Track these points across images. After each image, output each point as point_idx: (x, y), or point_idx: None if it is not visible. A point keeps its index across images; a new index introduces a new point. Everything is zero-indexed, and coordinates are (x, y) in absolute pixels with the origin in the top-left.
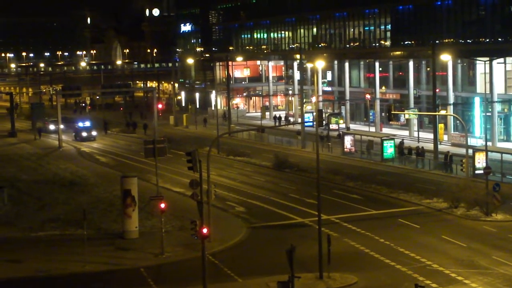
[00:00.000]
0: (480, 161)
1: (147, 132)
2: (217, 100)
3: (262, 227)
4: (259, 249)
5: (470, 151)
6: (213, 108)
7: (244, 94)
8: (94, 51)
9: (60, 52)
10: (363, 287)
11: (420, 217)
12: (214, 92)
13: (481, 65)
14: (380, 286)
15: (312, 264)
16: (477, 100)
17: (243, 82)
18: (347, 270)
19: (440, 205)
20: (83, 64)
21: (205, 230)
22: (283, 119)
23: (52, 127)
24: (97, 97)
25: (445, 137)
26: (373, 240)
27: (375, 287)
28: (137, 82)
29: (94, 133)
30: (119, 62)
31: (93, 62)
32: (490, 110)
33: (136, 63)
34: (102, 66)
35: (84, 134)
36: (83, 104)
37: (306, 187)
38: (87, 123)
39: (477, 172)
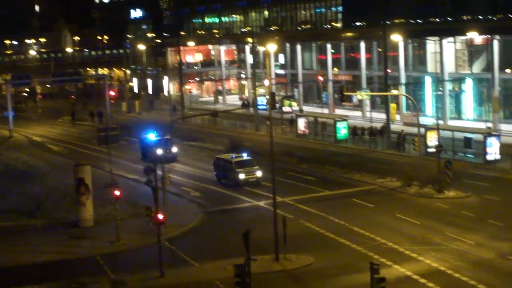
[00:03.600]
0: (432, 139)
1: (102, 120)
2: (169, 86)
3: (217, 211)
4: (215, 233)
5: (422, 130)
6: (165, 94)
7: (197, 79)
8: (44, 39)
9: (9, 41)
10: (319, 268)
11: (374, 196)
12: (166, 77)
13: (431, 45)
14: (336, 266)
15: (269, 246)
16: (428, 80)
17: (195, 67)
18: (303, 251)
19: (394, 184)
20: (32, 52)
21: (160, 216)
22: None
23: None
24: (48, 85)
25: (398, 117)
26: (328, 221)
27: (331, 267)
28: (88, 69)
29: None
30: (69, 49)
31: (43, 50)
32: (441, 89)
33: (87, 50)
34: (52, 54)
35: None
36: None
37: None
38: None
39: (429, 150)
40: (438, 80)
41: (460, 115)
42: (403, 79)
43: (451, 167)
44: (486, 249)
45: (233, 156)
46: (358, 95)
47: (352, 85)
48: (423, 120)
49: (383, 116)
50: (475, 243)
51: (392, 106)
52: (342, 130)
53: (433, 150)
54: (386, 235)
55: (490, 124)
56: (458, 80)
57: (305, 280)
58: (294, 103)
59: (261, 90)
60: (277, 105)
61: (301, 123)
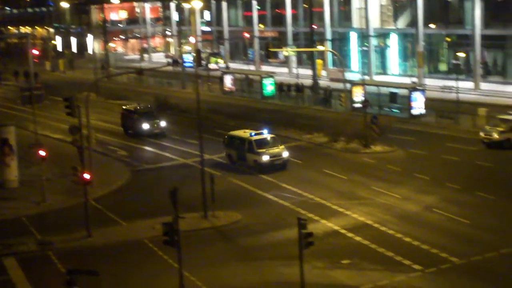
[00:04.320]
0: (358, 95)
1: (28, 80)
2: (94, 44)
3: (145, 169)
4: (143, 192)
5: (348, 85)
6: (90, 52)
7: (122, 37)
8: None
9: None
10: (247, 224)
11: (301, 152)
12: (90, 36)
13: (356, 0)
14: (263, 222)
15: (197, 204)
16: (353, 35)
17: (120, 25)
18: (231, 208)
19: (321, 139)
20: None
21: (87, 176)
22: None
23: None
24: None
25: (324, 73)
26: (256, 177)
27: (259, 223)
28: (10, 28)
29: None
30: None
31: None
32: (366, 44)
33: (8, 8)
34: None
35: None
36: None
37: (187, 127)
38: None
39: (355, 105)
40: (364, 36)
41: (385, 70)
42: (328, 35)
43: (377, 122)
44: (412, 202)
45: (252, 134)
46: (284, 52)
47: (278, 41)
48: (349, 75)
49: (309, 72)
50: (402, 197)
51: (318, 62)
52: (269, 87)
53: (359, 105)
54: (313, 190)
55: (415, 79)
56: (383, 35)
57: (233, 236)
58: (220, 60)
59: (187, 48)
60: (204, 63)
61: (228, 80)
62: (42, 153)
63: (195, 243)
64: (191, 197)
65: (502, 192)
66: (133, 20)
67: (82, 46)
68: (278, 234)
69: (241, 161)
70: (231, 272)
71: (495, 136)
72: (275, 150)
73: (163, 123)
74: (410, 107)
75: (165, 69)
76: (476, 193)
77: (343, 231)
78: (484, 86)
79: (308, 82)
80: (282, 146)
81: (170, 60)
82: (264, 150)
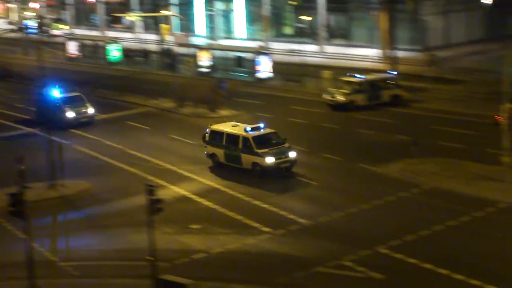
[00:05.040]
0: (204, 59)
1: None
2: None
3: None
4: None
5: (195, 50)
6: None
7: None
8: None
9: None
10: (96, 192)
11: (148, 118)
12: None
13: None
14: (112, 190)
15: (44, 174)
16: None
17: None
18: (80, 177)
19: (167, 105)
20: None
21: None
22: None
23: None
24: None
25: (170, 38)
26: (105, 145)
27: (108, 191)
28: None
29: None
30: None
31: None
32: (212, 8)
33: None
34: None
35: None
36: None
37: (31, 95)
38: None
39: (202, 70)
40: (209, 0)
41: (232, 34)
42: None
43: (224, 86)
44: None
45: (248, 129)
46: (129, 17)
47: (123, 6)
48: (195, 40)
49: (156, 37)
50: None
51: (164, 27)
52: (114, 53)
53: (205, 70)
54: (162, 156)
55: (261, 43)
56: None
57: (82, 205)
58: (64, 26)
59: (29, 14)
60: (47, 29)
61: (72, 47)
62: None
63: (43, 213)
64: (38, 166)
65: (348, 153)
66: None
67: None
68: (127, 202)
69: (233, 163)
70: (80, 241)
71: (340, 98)
72: (280, 149)
73: (91, 110)
74: (256, 71)
75: (6, 36)
76: (323, 154)
77: (192, 196)
78: (328, 49)
79: (154, 47)
80: (287, 144)
81: (14, 26)
82: (266, 150)
